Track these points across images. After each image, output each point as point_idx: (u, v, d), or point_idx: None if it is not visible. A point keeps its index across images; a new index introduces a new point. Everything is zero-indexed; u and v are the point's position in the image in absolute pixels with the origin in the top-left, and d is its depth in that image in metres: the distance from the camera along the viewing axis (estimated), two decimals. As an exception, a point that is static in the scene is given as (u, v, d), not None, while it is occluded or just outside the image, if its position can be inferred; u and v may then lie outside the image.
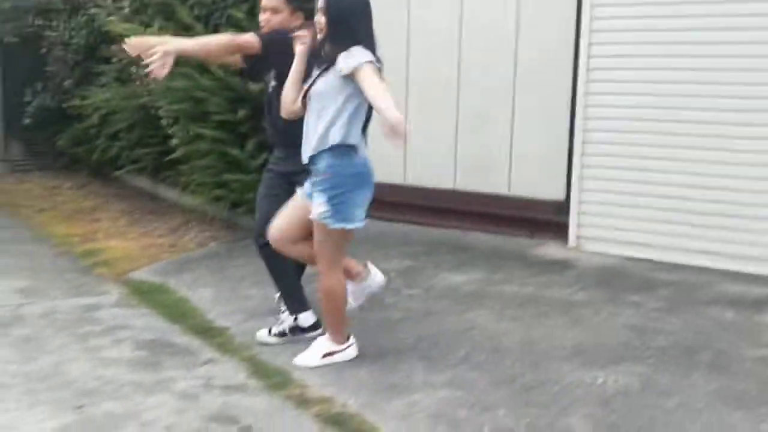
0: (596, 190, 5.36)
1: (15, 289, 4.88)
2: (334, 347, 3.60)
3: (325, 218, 3.34)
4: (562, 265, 5.08)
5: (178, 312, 4.38)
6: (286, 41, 3.59)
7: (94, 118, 7.88)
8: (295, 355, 3.63)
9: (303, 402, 3.23)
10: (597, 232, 5.37)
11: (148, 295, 4.74)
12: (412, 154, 6.22)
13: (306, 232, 3.50)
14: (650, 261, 5.10)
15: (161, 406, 3.22)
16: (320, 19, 3.33)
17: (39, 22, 9.02)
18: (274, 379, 3.45)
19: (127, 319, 4.31)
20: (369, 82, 3.18)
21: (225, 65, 4.81)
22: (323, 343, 3.63)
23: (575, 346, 3.73)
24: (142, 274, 5.17)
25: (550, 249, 5.44)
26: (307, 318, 3.88)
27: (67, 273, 5.28)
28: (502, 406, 3.13)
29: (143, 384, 3.44)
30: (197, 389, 3.38)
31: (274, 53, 3.67)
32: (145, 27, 6.36)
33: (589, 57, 5.26)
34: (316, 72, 3.38)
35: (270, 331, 3.91)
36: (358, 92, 3.25)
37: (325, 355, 3.58)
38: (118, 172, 8.22)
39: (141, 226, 6.64)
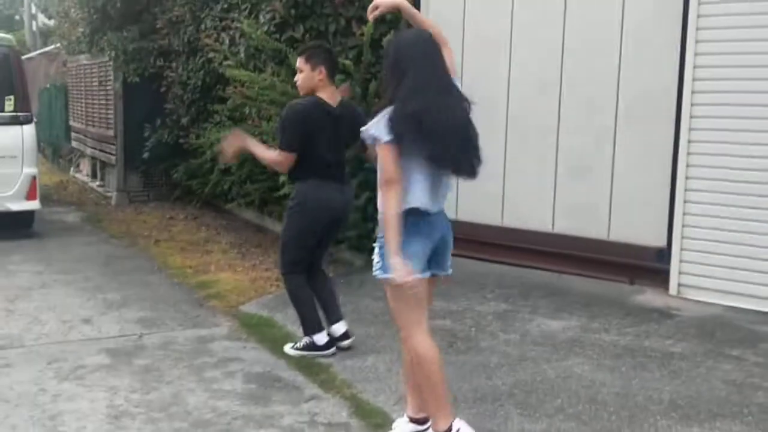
0: (699, 238, 5.31)
1: (137, 318, 5.26)
2: None
3: (375, 271, 3.12)
4: (661, 314, 5.05)
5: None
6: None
7: (208, 154, 8.36)
8: (394, 394, 3.78)
9: (402, 444, 3.37)
10: (699, 280, 5.30)
11: (256, 328, 5.01)
12: (510, 196, 6.32)
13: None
14: (754, 311, 5.01)
15: (270, 440, 3.45)
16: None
17: (160, 63, 9.68)
18: (375, 419, 3.61)
19: (237, 352, 4.59)
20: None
21: None
22: None
23: (672, 401, 3.74)
24: (251, 308, 5.47)
25: (649, 296, 5.41)
26: (321, 338, 4.47)
27: (183, 304, 5.65)
28: (596, 459, 3.19)
29: (253, 417, 3.67)
30: (302, 425, 3.59)
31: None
32: (259, 72, 6.75)
33: (692, 104, 5.25)
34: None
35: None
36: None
37: None
38: (228, 205, 8.66)
39: (249, 259, 7.01)
